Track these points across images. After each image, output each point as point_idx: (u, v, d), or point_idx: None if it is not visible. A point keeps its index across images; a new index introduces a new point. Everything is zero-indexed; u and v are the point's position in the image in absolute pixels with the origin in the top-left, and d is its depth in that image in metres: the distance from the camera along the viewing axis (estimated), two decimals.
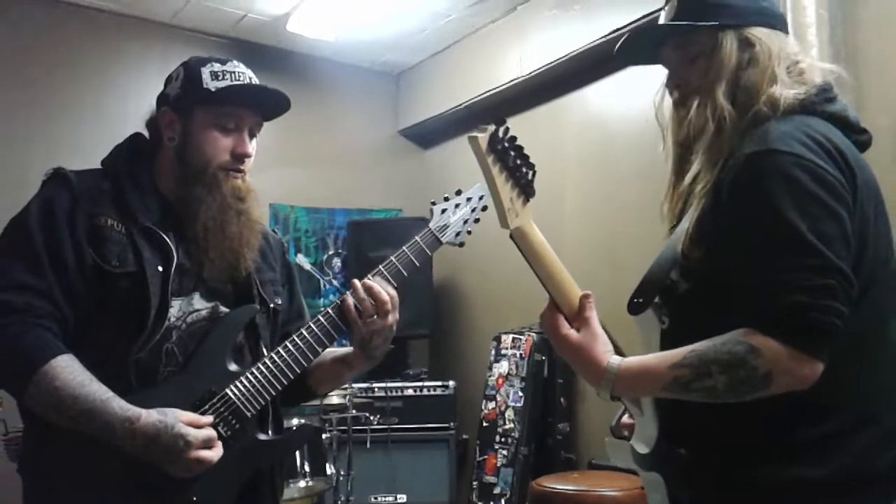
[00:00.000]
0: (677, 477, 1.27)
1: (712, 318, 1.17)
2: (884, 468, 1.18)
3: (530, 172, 1.20)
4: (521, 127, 4.36)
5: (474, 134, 1.14)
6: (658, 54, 1.40)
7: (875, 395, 1.21)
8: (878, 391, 1.21)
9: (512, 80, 4.19)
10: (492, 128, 1.14)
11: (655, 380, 1.18)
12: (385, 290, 1.55)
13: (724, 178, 1.21)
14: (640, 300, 1.30)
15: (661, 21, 1.38)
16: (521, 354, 3.91)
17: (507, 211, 1.17)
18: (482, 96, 4.41)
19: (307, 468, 3.30)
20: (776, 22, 1.33)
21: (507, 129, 1.14)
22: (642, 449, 1.34)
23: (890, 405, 1.21)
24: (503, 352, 4.02)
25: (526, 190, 1.19)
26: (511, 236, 1.20)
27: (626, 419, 1.52)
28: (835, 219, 1.13)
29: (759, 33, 1.29)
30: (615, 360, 1.23)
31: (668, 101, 1.42)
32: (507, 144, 1.15)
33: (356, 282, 1.56)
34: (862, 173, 1.21)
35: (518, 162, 1.17)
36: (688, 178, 1.29)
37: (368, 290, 1.55)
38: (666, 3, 1.39)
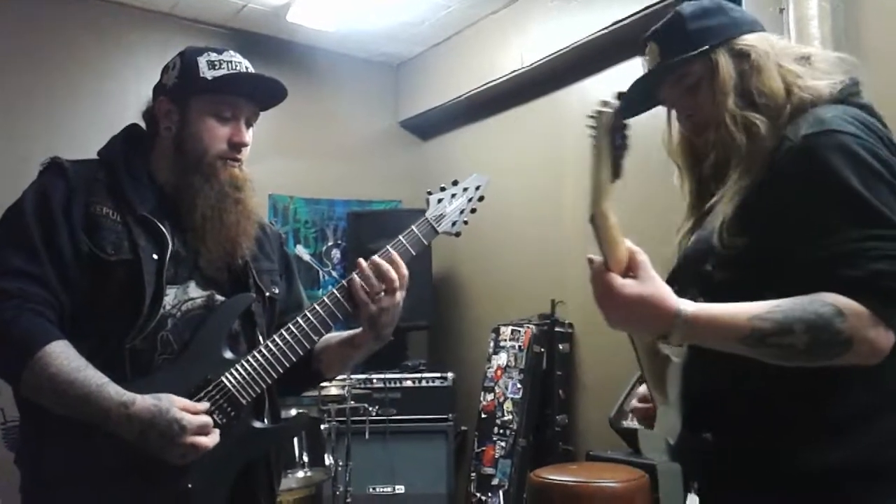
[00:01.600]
0: (699, 464, 1.28)
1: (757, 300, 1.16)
2: None
3: (625, 152, 1.15)
4: (521, 119, 4.36)
5: (604, 109, 1.10)
6: (656, 96, 1.42)
7: None
8: None
9: (512, 72, 4.18)
10: (616, 104, 1.10)
11: (732, 329, 1.13)
12: (393, 267, 1.55)
13: (777, 165, 1.22)
14: (676, 288, 1.28)
15: (646, 66, 1.41)
16: (519, 346, 3.91)
17: (602, 192, 1.13)
18: (482, 88, 4.40)
19: (306, 458, 3.30)
20: (754, 26, 1.36)
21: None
22: (658, 440, 1.35)
23: None
24: (502, 343, 4.03)
25: (617, 171, 1.16)
26: (593, 217, 1.15)
27: (635, 403, 1.51)
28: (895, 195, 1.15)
29: (749, 41, 1.32)
30: (687, 303, 1.16)
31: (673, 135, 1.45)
32: (622, 123, 1.12)
33: (361, 261, 1.56)
34: None
35: (622, 141, 1.14)
36: (728, 183, 1.29)
37: (377, 267, 1.55)
38: (644, 48, 1.41)
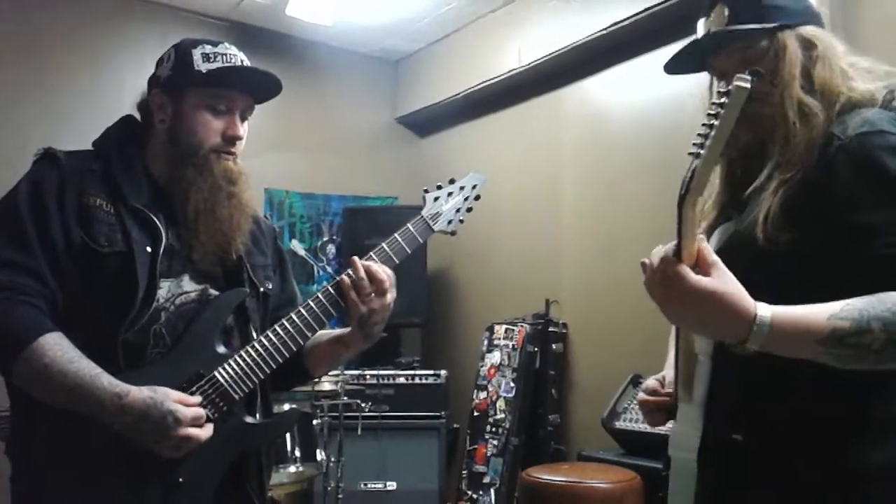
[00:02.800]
0: (723, 466, 1.27)
1: (793, 300, 1.15)
2: None
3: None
4: (519, 118, 4.36)
5: (742, 84, 1.04)
6: (704, 61, 1.39)
7: None
8: None
9: (511, 70, 4.17)
10: (753, 81, 1.06)
11: (811, 331, 1.10)
12: (382, 269, 1.56)
13: (827, 161, 1.21)
14: None
15: (708, 27, 1.37)
16: (513, 345, 3.91)
17: (707, 176, 1.09)
18: (481, 85, 4.40)
19: (297, 453, 3.30)
20: (820, 21, 1.36)
21: None
22: (687, 438, 1.34)
23: None
24: (496, 342, 4.03)
25: (719, 157, 1.13)
26: (684, 203, 1.10)
27: (642, 395, 1.48)
28: None
29: (814, 32, 1.32)
30: (765, 307, 1.10)
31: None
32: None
33: (356, 259, 1.56)
34: None
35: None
36: (763, 174, 1.28)
37: (366, 269, 1.55)
38: (710, 8, 1.38)
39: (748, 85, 1.05)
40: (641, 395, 1.50)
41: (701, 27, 1.40)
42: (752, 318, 1.09)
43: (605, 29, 3.60)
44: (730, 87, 1.05)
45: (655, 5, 3.34)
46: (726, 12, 1.34)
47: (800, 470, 1.20)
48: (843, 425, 1.18)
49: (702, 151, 1.08)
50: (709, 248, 1.13)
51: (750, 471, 1.25)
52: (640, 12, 3.41)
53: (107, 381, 1.34)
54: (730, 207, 1.37)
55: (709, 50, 1.37)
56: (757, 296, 1.13)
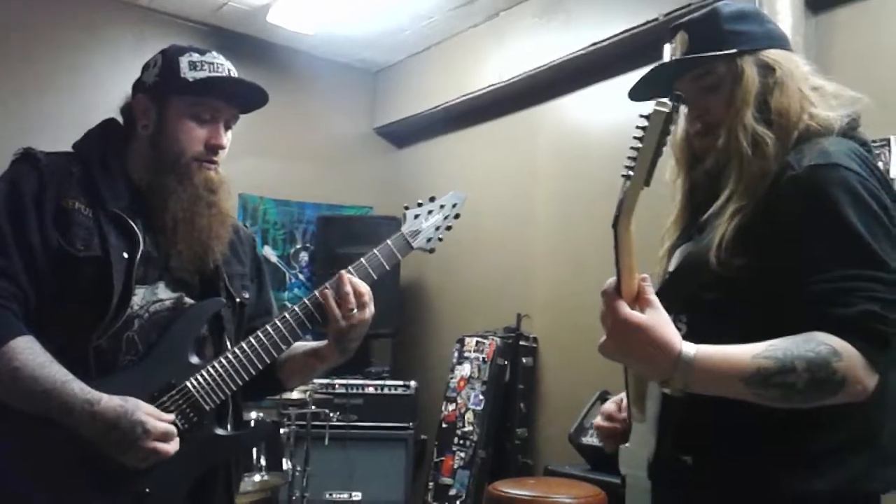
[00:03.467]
0: (674, 486, 1.28)
1: (739, 325, 1.17)
2: (877, 489, 1.21)
3: (658, 160, 1.12)
4: (496, 133, 4.38)
5: (661, 108, 1.07)
6: (670, 87, 1.39)
7: (879, 414, 1.21)
8: (882, 410, 1.22)
9: (490, 86, 4.21)
10: (673, 105, 1.09)
11: (736, 370, 1.12)
12: (362, 284, 1.56)
13: (778, 191, 1.23)
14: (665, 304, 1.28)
15: (672, 53, 1.39)
16: (483, 358, 3.93)
17: (635, 198, 1.10)
18: (459, 99, 4.43)
19: (263, 462, 3.27)
20: (785, 43, 1.36)
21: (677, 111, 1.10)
22: (638, 457, 1.35)
23: (892, 425, 1.22)
24: (466, 354, 4.04)
25: (650, 178, 1.13)
26: (617, 226, 1.13)
27: (599, 421, 1.50)
28: (890, 238, 1.17)
29: (775, 56, 1.32)
30: (690, 345, 1.13)
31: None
32: (668, 128, 1.10)
33: (344, 273, 1.56)
34: None
35: (662, 148, 1.11)
36: (720, 200, 1.29)
37: (352, 282, 1.55)
38: (673, 35, 1.40)
39: (667, 109, 1.09)
40: (597, 420, 1.50)
41: (666, 52, 1.42)
42: (676, 353, 1.12)
43: (583, 49, 3.65)
44: (650, 113, 1.09)
45: (635, 27, 3.40)
46: (687, 38, 1.36)
47: (744, 496, 1.22)
48: (786, 453, 1.20)
49: (631, 174, 1.11)
50: (649, 288, 1.16)
51: (698, 493, 1.26)
52: (620, 33, 3.47)
53: (78, 387, 1.33)
54: (691, 228, 1.39)
55: (668, 78, 1.39)
56: (705, 315, 1.16)
